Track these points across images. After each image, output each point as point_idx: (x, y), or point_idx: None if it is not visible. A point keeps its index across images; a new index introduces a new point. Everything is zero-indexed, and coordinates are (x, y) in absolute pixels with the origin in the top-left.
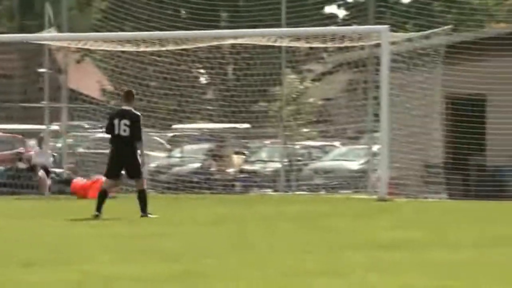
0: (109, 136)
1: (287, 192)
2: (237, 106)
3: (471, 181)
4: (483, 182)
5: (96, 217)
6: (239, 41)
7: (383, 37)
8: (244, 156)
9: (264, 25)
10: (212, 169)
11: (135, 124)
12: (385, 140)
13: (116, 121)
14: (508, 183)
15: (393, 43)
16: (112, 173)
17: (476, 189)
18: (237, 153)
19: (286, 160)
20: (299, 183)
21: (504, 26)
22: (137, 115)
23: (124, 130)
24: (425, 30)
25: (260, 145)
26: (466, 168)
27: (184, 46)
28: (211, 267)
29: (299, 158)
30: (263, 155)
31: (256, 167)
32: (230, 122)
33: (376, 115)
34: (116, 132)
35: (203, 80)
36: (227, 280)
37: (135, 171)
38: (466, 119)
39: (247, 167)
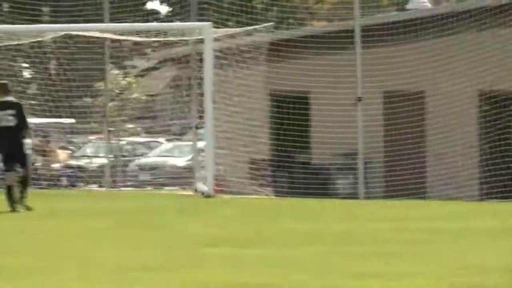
0: None
1: (113, 188)
2: (61, 101)
3: (296, 178)
4: (308, 179)
5: (15, 211)
6: (61, 35)
7: (206, 33)
8: (69, 151)
9: (86, 20)
10: (37, 164)
11: (20, 113)
12: (210, 137)
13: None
14: (331, 181)
15: (216, 39)
16: (10, 166)
17: (301, 187)
18: (62, 148)
19: (111, 155)
20: (124, 179)
21: (325, 24)
22: (21, 104)
23: (10, 120)
24: (247, 27)
25: (85, 141)
26: (291, 165)
27: (5, 42)
28: (32, 262)
29: (124, 154)
30: (88, 150)
31: (82, 162)
32: (54, 117)
33: (200, 111)
34: (1, 124)
35: (26, 74)
36: (49, 276)
37: (23, 160)
38: (290, 116)
39: (73, 162)
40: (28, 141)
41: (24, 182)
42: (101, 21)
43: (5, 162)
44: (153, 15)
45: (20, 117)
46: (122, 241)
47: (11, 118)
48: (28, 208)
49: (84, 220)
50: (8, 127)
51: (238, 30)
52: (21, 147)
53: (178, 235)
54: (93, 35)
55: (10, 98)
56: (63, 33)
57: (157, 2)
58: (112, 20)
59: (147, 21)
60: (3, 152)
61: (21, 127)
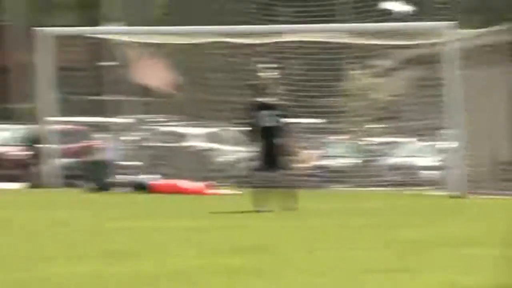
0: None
1: (360, 187)
2: (305, 102)
3: None
4: None
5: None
6: (303, 36)
7: (451, 34)
8: (316, 152)
9: (330, 21)
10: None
11: (282, 114)
12: (461, 137)
13: (260, 113)
14: None
15: (460, 39)
16: (266, 167)
17: None
18: (309, 148)
19: (358, 155)
20: (371, 179)
21: None
22: (283, 105)
23: (271, 121)
24: (490, 26)
25: (332, 141)
26: None
27: (249, 41)
28: (288, 262)
29: (372, 154)
30: (335, 150)
31: (329, 162)
32: (299, 117)
33: (446, 112)
34: (264, 124)
35: (268, 75)
36: (306, 273)
37: (283, 161)
38: None
39: (320, 162)
40: (288, 142)
41: (285, 184)
42: (341, 21)
43: (263, 162)
44: (391, 15)
45: (282, 118)
46: (371, 241)
47: (272, 118)
48: (290, 208)
49: (332, 219)
50: (269, 128)
51: (482, 30)
52: (281, 149)
53: (425, 236)
54: (338, 39)
55: (270, 99)
56: (302, 33)
57: (397, 3)
58: (355, 20)
59: (386, 21)
60: (262, 152)
61: (283, 128)
